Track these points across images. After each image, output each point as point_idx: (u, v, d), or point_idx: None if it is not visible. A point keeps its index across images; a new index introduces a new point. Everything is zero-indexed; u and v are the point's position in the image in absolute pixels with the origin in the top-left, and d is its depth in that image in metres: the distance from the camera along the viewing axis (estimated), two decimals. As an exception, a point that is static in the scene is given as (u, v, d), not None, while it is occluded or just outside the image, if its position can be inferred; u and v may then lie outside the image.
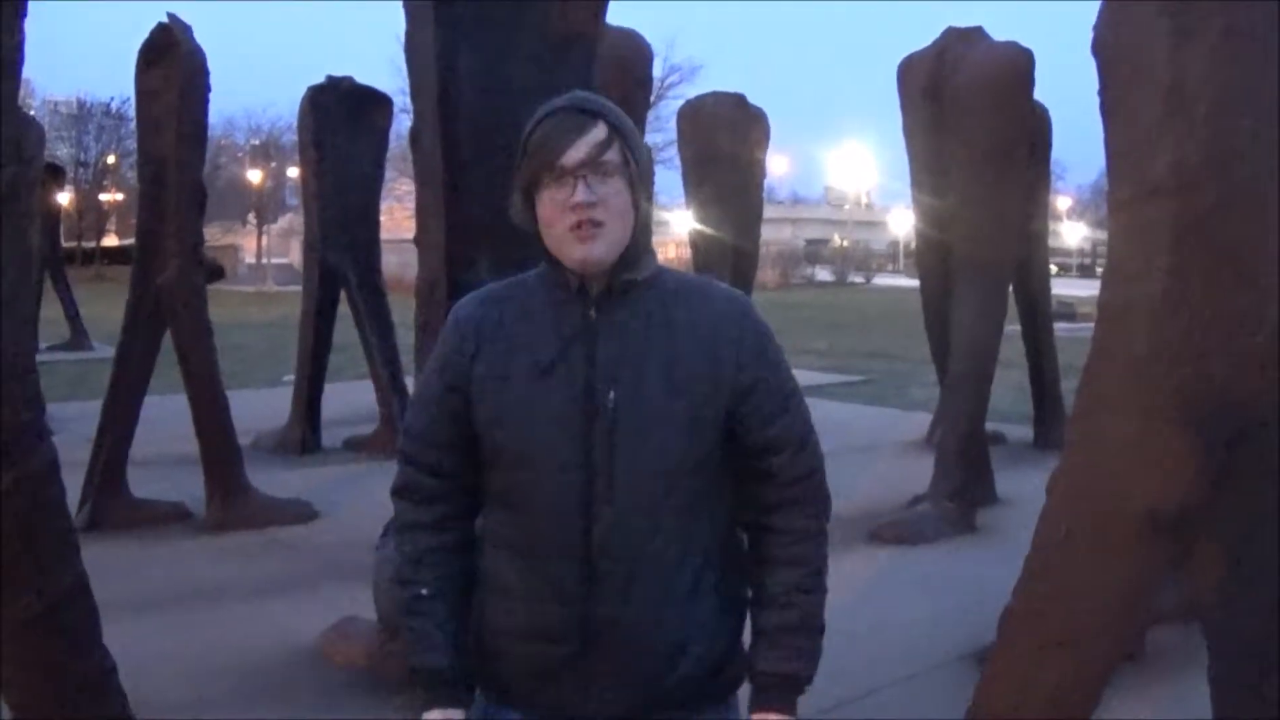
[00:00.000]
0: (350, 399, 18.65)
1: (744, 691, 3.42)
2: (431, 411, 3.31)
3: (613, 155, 3.13)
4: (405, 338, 8.56)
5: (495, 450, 3.21)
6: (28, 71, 4.72)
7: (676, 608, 3.19)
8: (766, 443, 3.23)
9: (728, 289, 3.39)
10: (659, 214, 32.87)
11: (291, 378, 17.29)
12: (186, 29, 11.23)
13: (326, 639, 8.10)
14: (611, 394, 3.11)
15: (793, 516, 3.27)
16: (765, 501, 3.28)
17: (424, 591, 3.29)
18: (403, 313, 8.85)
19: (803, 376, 19.67)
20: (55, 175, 30.79)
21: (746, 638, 3.39)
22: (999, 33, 12.70)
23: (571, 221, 3.10)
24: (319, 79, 16.16)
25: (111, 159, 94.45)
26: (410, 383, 8.26)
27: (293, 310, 17.81)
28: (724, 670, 3.32)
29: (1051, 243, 18.54)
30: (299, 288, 17.20)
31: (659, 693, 3.21)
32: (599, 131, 3.14)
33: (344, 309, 16.49)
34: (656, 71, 23.98)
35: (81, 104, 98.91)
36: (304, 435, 16.02)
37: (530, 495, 3.17)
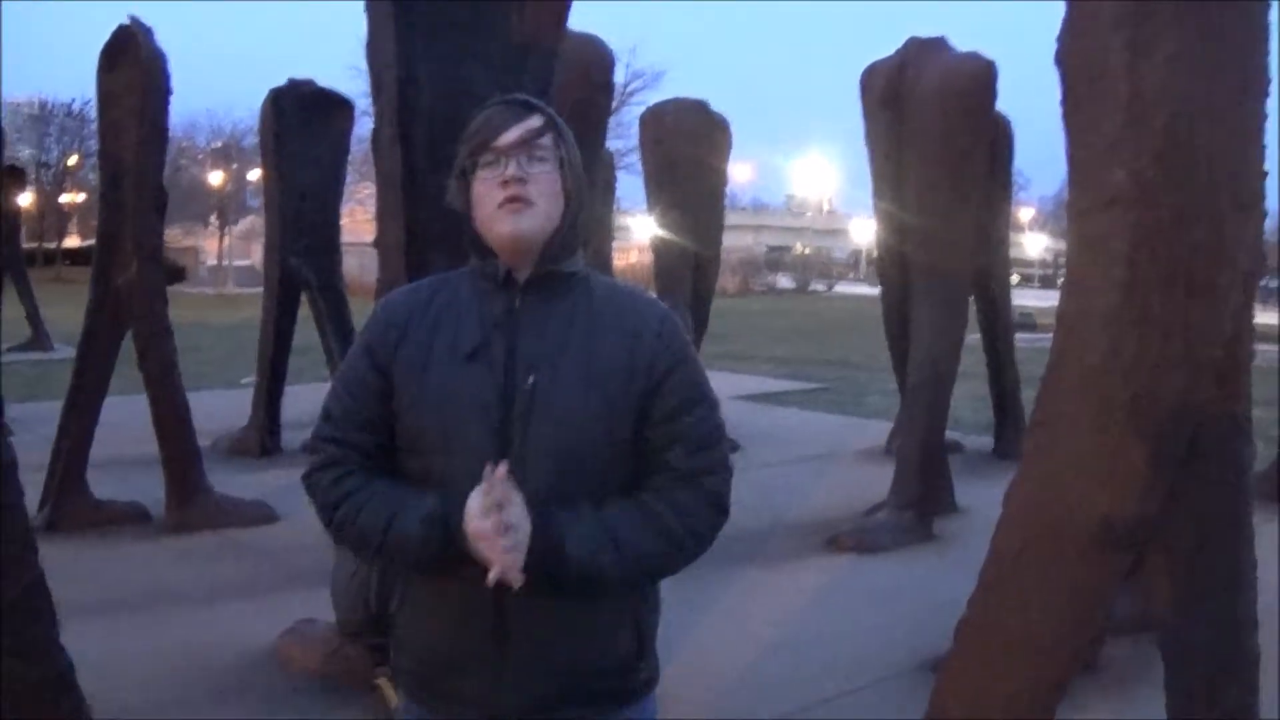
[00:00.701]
0: (311, 402, 18.41)
1: (660, 691, 3.46)
2: (354, 393, 3.32)
3: (546, 142, 3.22)
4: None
5: (414, 434, 3.24)
6: (-14, 71, 4.69)
7: (578, 611, 3.21)
8: (669, 437, 3.22)
9: (654, 298, 3.45)
10: (621, 219, 32.87)
11: (252, 380, 17.22)
12: (148, 31, 11.18)
13: (282, 642, 8.07)
14: (530, 379, 3.15)
15: (682, 494, 3.21)
16: (661, 487, 3.22)
17: (383, 487, 3.23)
18: (363, 316, 8.86)
19: (761, 383, 19.77)
20: (16, 176, 30.64)
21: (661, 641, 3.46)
22: (964, 42, 12.73)
23: (502, 196, 3.17)
24: (280, 81, 16.12)
25: (73, 160, 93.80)
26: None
27: (254, 312, 17.74)
28: (636, 668, 3.35)
29: (1013, 253, 18.58)
30: (260, 290, 17.13)
31: (569, 684, 3.23)
32: (534, 120, 3.24)
33: (305, 311, 16.43)
34: (619, 77, 24.00)
35: (43, 105, 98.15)
36: (263, 438, 15.95)
37: (445, 479, 3.16)
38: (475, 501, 3.00)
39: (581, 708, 3.28)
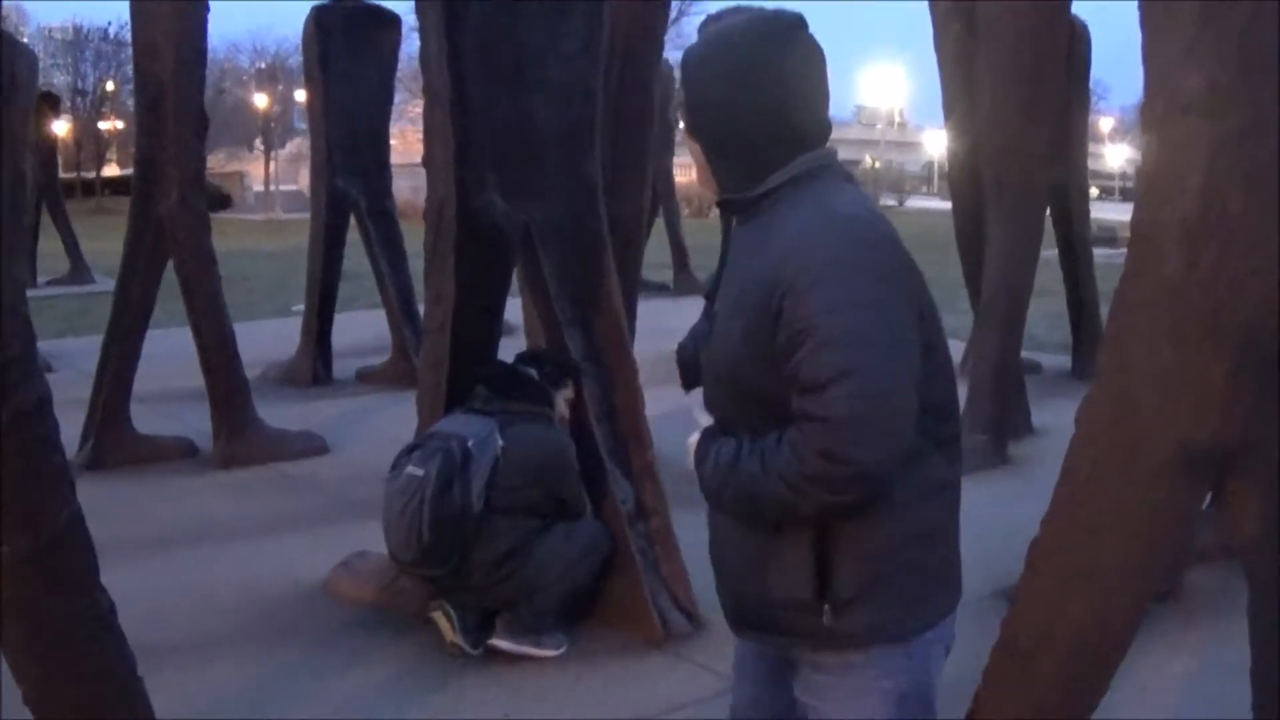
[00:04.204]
0: (362, 329, 18.68)
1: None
2: None
3: (678, 109, 3.49)
4: (418, 265, 8.62)
5: None
6: (21, -2, 4.68)
7: (751, 532, 3.33)
8: (791, 374, 3.10)
9: (829, 210, 3.25)
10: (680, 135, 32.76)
11: (300, 308, 17.31)
12: (183, -53, 11.19)
13: (335, 576, 8.15)
14: (717, 307, 3.42)
15: (796, 435, 3.08)
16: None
17: None
18: (416, 240, 8.93)
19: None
20: (51, 104, 30.66)
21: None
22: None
23: None
24: (324, -1, 16.06)
25: (110, 86, 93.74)
26: (423, 309, 8.35)
27: (302, 239, 17.75)
28: (817, 610, 3.27)
29: (1092, 165, 18.39)
30: (308, 215, 17.17)
31: (747, 606, 3.47)
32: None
33: (354, 236, 16.46)
34: (678, -14, 23.93)
35: (78, 30, 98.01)
36: (314, 367, 16.04)
37: None
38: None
39: (764, 633, 3.50)
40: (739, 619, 3.55)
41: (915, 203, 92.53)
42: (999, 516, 9.43)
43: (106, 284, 21.33)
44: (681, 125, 3.44)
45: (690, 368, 3.64)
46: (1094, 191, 17.94)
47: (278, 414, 12.71)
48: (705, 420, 3.42)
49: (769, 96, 3.24)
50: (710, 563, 3.63)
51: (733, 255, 3.41)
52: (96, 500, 5.00)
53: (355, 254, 16.86)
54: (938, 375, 3.37)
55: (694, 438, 3.42)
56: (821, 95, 3.38)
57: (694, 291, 23.70)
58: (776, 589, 3.30)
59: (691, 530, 7.13)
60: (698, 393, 3.55)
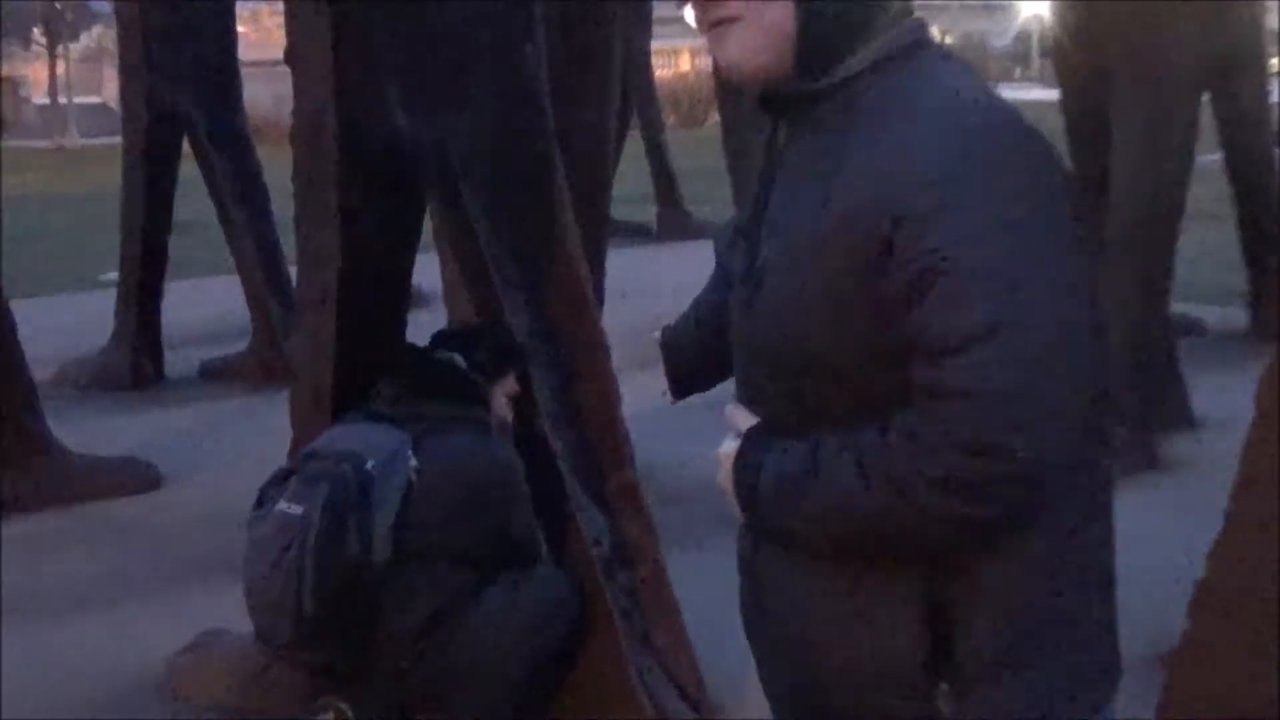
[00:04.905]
0: (206, 305, 18.65)
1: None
2: None
3: None
4: (287, 209, 8.44)
5: None
6: None
7: (823, 577, 3.16)
8: (910, 335, 2.88)
9: (945, 100, 3.10)
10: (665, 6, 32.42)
11: (114, 276, 17.22)
12: None
13: (178, 664, 8.14)
14: (764, 254, 3.19)
15: (918, 422, 2.88)
16: (907, 409, 2.92)
17: None
18: (283, 172, 8.77)
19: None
20: None
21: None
22: None
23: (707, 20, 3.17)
24: None
25: None
26: (295, 273, 8.21)
27: (112, 174, 17.71)
28: (928, 693, 3.08)
29: (1272, 25, 18.26)
30: (119, 140, 17.08)
31: (813, 697, 3.28)
32: None
33: (191, 169, 16.38)
34: None
35: None
36: (137, 361, 15.96)
37: None
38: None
39: None
40: (800, 710, 3.38)
41: (1006, 92, 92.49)
42: (1147, 545, 9.47)
43: None
44: None
45: (682, 361, 3.60)
46: (1276, 64, 17.44)
47: (86, 433, 12.70)
48: (745, 420, 3.25)
49: None
50: (743, 629, 3.46)
51: (786, 176, 3.21)
52: None
53: (193, 194, 16.81)
54: (1095, 341, 3.07)
55: (729, 445, 3.24)
56: None
57: (686, 234, 23.66)
58: (865, 662, 3.12)
59: (692, 577, 7.16)
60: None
